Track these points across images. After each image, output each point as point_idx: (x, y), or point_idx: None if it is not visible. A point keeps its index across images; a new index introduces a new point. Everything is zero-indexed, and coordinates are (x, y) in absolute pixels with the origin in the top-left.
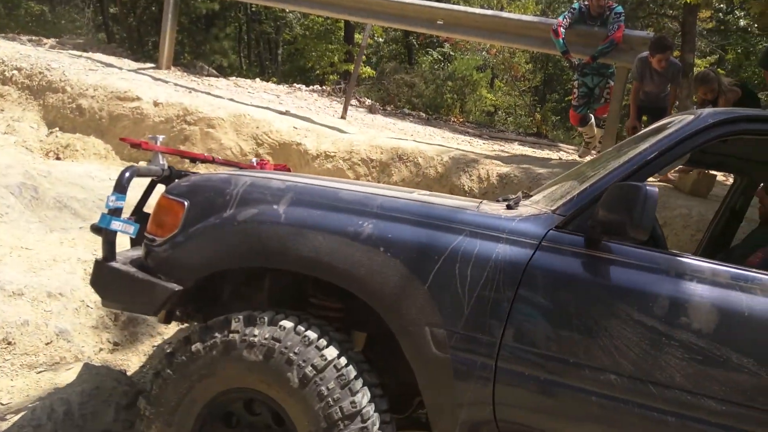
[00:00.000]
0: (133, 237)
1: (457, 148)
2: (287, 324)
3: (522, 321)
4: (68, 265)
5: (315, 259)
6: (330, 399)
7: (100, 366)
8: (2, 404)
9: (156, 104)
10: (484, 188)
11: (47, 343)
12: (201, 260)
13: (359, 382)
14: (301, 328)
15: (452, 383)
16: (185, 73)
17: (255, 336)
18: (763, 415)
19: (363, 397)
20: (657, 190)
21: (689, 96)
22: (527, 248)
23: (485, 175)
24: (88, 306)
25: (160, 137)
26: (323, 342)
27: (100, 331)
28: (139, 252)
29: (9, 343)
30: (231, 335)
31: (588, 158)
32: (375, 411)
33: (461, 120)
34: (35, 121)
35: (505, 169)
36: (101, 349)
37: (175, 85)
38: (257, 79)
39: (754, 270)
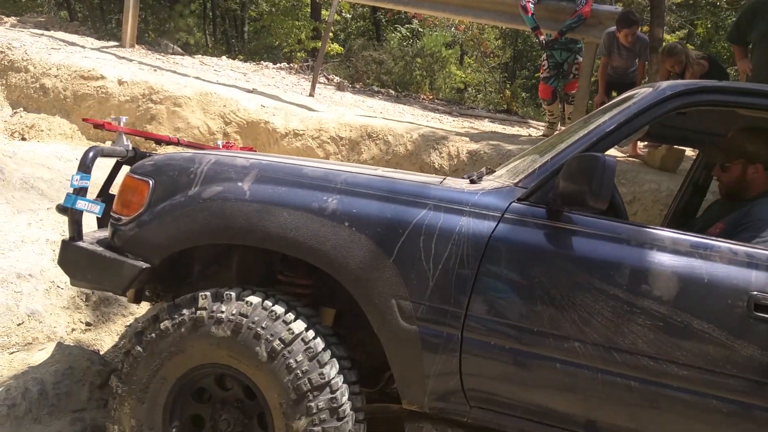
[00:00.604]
0: (99, 216)
1: (426, 126)
2: (254, 299)
3: (486, 292)
4: (37, 246)
5: (281, 235)
6: (298, 371)
7: (73, 346)
8: None
9: (121, 83)
10: (454, 165)
11: (19, 324)
12: (167, 238)
13: (327, 355)
14: (268, 303)
15: (420, 354)
16: (150, 52)
17: (222, 312)
18: (723, 379)
19: (331, 368)
20: (615, 159)
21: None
22: (490, 221)
23: (455, 152)
24: (58, 287)
25: (124, 118)
26: (290, 316)
27: (72, 311)
28: (105, 233)
29: None
30: (199, 312)
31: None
32: (344, 382)
33: (431, 97)
34: None
35: (475, 146)
36: (74, 330)
37: (140, 63)
38: (223, 57)
39: (712, 238)
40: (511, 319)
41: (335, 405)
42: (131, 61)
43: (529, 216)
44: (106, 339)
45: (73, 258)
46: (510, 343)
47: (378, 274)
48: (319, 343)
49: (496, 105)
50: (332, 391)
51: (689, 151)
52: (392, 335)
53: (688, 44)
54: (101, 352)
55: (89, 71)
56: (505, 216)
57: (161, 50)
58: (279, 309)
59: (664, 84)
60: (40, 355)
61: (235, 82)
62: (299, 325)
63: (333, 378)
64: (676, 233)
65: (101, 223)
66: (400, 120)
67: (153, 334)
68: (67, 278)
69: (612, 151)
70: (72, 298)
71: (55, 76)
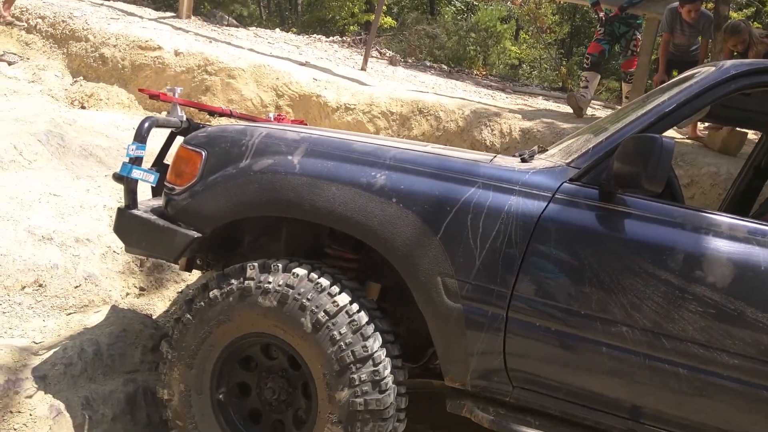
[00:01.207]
0: (154, 186)
1: (478, 102)
2: (300, 271)
3: (534, 272)
4: (95, 211)
5: (329, 209)
6: (342, 343)
7: (127, 309)
8: (35, 342)
9: (177, 54)
10: (506, 143)
11: (76, 287)
12: (218, 209)
13: (371, 328)
14: (314, 275)
15: (464, 333)
16: (205, 23)
17: (269, 283)
18: None
19: (374, 341)
20: (674, 141)
21: (722, 50)
22: (540, 200)
23: (507, 129)
24: (114, 252)
25: (178, 89)
26: (336, 289)
27: (127, 276)
28: (159, 202)
29: (40, 285)
30: (246, 282)
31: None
32: (386, 356)
33: (484, 73)
34: (60, 70)
35: (527, 124)
36: (128, 294)
37: (196, 34)
38: (277, 30)
39: None
40: (558, 300)
41: (377, 377)
42: (187, 32)
43: (581, 197)
44: (158, 304)
45: (127, 225)
46: (556, 325)
47: (424, 251)
48: (363, 317)
49: (551, 83)
50: (375, 364)
51: (752, 134)
52: (437, 312)
53: (755, 23)
54: (153, 317)
55: (147, 41)
56: (556, 196)
57: (216, 22)
58: (324, 281)
59: (728, 63)
60: (96, 317)
61: (288, 55)
62: (344, 298)
63: (376, 351)
64: (734, 218)
65: (156, 192)
66: (451, 96)
67: (202, 302)
68: (122, 244)
69: (670, 132)
70: (127, 263)
71: (114, 46)
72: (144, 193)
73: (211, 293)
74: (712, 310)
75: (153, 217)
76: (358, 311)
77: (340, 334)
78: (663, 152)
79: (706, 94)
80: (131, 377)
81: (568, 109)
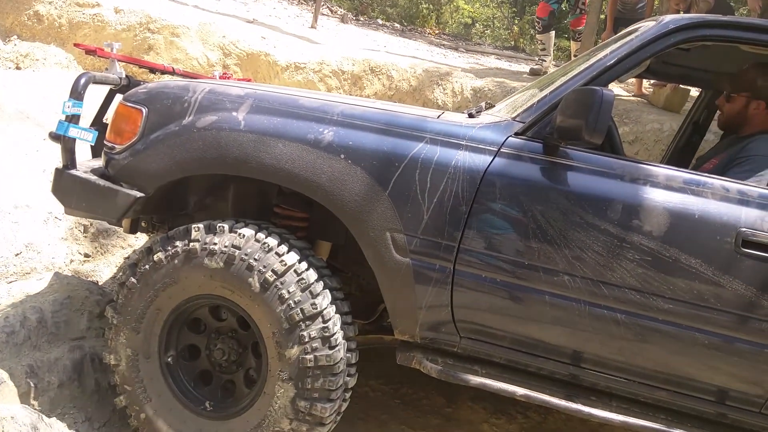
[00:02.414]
0: (93, 144)
1: (431, 61)
2: (247, 232)
3: (480, 226)
4: (35, 176)
5: (276, 166)
6: (291, 301)
7: (71, 276)
8: None
9: (117, 11)
10: (458, 102)
11: (17, 254)
12: (161, 168)
13: (320, 285)
14: (261, 235)
15: (412, 286)
16: None
17: (215, 244)
18: (708, 313)
19: (323, 299)
20: (613, 93)
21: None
22: (486, 155)
23: (459, 89)
24: (56, 218)
25: (116, 44)
26: (283, 248)
27: (70, 242)
28: (100, 162)
29: None
30: (192, 244)
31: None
32: (336, 312)
33: (437, 32)
34: None
35: (479, 82)
36: (72, 261)
37: None
38: None
39: (705, 174)
40: (504, 252)
41: (327, 334)
42: None
43: (526, 150)
44: (104, 270)
45: (66, 186)
46: (501, 276)
47: (373, 206)
48: (312, 275)
49: (504, 42)
50: (324, 321)
51: (694, 91)
52: (386, 267)
53: None
54: (99, 283)
55: None
56: (502, 150)
57: None
58: (272, 241)
59: (668, 18)
60: (39, 284)
61: (236, 12)
62: (292, 257)
63: (325, 308)
64: (671, 169)
65: (96, 152)
66: (404, 55)
67: (147, 266)
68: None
69: (617, 90)
70: (70, 229)
71: (50, 3)
72: (85, 154)
73: (155, 256)
74: (649, 258)
75: (93, 178)
76: (307, 269)
77: (288, 292)
78: (603, 104)
79: (646, 48)
80: (77, 344)
81: (520, 68)
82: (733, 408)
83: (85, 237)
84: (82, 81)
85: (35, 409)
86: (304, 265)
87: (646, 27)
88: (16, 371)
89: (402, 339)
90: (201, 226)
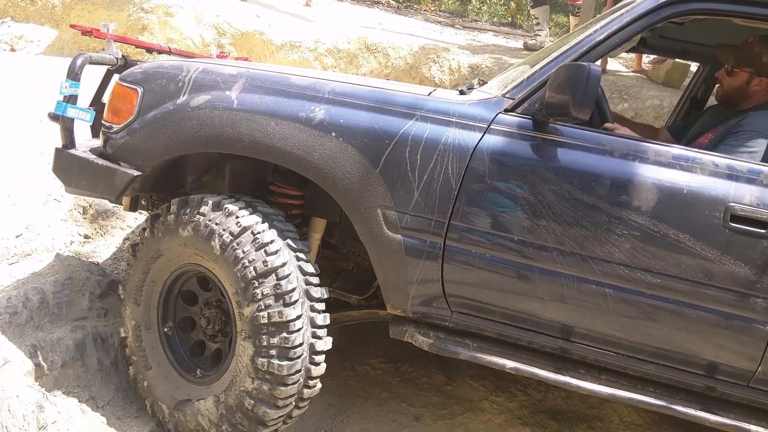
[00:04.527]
0: (91, 124)
1: (427, 38)
2: (212, 200)
3: (470, 202)
4: (32, 158)
5: (268, 144)
6: (245, 261)
7: (72, 257)
8: None
9: None
10: (455, 80)
11: (17, 236)
12: (157, 146)
13: (276, 245)
14: (225, 203)
15: (404, 262)
16: None
17: (186, 214)
18: (697, 288)
19: (278, 257)
20: (600, 68)
21: None
22: (476, 131)
23: (456, 66)
24: (55, 199)
25: (113, 25)
26: (243, 212)
27: (70, 224)
28: (98, 141)
29: None
30: (169, 216)
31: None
32: (297, 272)
33: (433, 9)
34: None
35: (476, 59)
36: (72, 242)
37: None
38: None
39: (695, 150)
40: (493, 228)
41: (280, 291)
42: None
43: (515, 127)
44: (104, 251)
45: (66, 165)
46: (491, 252)
47: (364, 184)
48: (269, 235)
49: (501, 18)
50: (278, 278)
51: (694, 67)
52: (377, 243)
53: None
54: (100, 263)
55: None
56: (491, 127)
57: None
58: (232, 207)
59: None
60: (40, 266)
61: None
62: (249, 219)
63: (279, 266)
64: (660, 145)
65: (95, 132)
66: (400, 32)
67: (141, 242)
68: (62, 191)
69: (617, 66)
70: (70, 210)
71: None
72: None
73: (146, 232)
74: (638, 233)
75: (92, 157)
76: (264, 231)
77: (243, 252)
78: (590, 80)
79: (637, 22)
80: (79, 324)
81: (517, 45)
82: (721, 381)
83: (85, 218)
84: (79, 62)
85: (40, 388)
86: (262, 226)
87: (637, 1)
88: (19, 351)
89: (394, 313)
90: (177, 200)
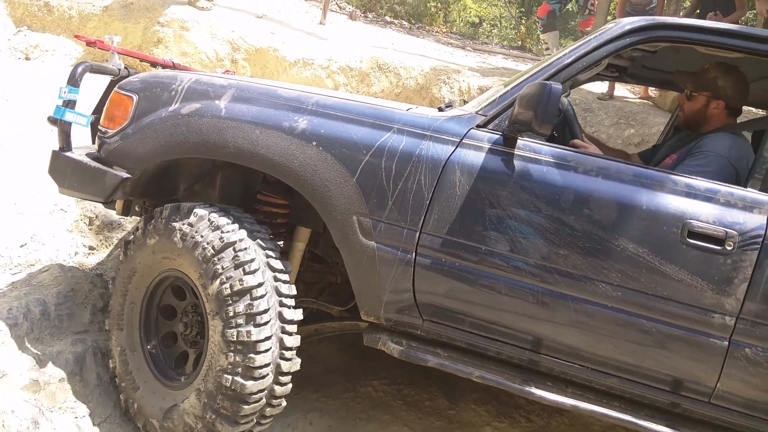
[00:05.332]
0: (89, 127)
1: (438, 60)
2: (201, 212)
3: (440, 212)
4: (40, 167)
5: (252, 151)
6: (223, 277)
7: (75, 268)
8: None
9: (125, 4)
10: (464, 101)
11: (22, 245)
12: (148, 151)
13: (229, 218)
14: (184, 205)
15: (377, 269)
16: None
17: (174, 224)
18: (656, 301)
19: (233, 234)
20: (560, 86)
21: (678, 10)
22: (449, 145)
23: (466, 87)
24: (62, 209)
25: (117, 37)
26: (229, 227)
27: (75, 235)
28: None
29: None
30: (137, 233)
31: None
32: (255, 245)
33: (444, 30)
34: (1, 19)
35: (486, 81)
36: (76, 253)
37: None
38: None
39: (654, 168)
40: (462, 238)
41: (238, 261)
42: None
43: (486, 142)
44: (108, 263)
45: (60, 167)
46: (460, 261)
47: (341, 191)
48: (223, 219)
49: (511, 41)
50: (235, 250)
51: None
52: (352, 250)
53: None
54: (103, 276)
55: None
56: (464, 141)
57: None
58: (185, 206)
59: (626, 20)
60: (43, 276)
61: (245, 7)
62: (202, 210)
63: (235, 241)
64: (622, 163)
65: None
66: (412, 53)
67: (117, 271)
68: (70, 201)
69: (625, 93)
70: (76, 221)
71: None
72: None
73: (120, 257)
74: (599, 246)
75: (85, 159)
76: (219, 216)
77: (222, 268)
78: (551, 97)
79: (603, 47)
80: (80, 338)
81: (526, 68)
82: (683, 397)
83: (90, 229)
84: (79, 69)
85: (37, 403)
86: (216, 214)
87: (606, 28)
88: (18, 364)
89: (368, 320)
90: (162, 208)
